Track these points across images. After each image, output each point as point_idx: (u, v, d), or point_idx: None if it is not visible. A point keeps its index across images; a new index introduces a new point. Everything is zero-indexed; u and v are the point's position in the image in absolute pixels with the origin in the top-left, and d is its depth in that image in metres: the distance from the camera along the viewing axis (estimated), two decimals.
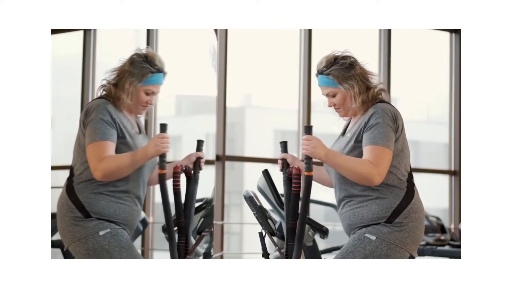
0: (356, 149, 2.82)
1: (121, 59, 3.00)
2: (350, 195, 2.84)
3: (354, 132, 2.85)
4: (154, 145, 2.87)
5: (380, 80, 2.91)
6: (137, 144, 2.96)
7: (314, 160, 2.80)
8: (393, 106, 2.86)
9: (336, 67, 2.86)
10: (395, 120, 2.80)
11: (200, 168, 3.07)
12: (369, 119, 2.80)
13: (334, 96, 2.90)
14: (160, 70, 2.99)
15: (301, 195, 2.78)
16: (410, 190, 2.81)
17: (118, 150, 2.90)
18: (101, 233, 2.84)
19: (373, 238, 2.76)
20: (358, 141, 2.82)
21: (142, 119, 3.19)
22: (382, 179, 2.74)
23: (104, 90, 2.98)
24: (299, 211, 2.81)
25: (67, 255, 4.87)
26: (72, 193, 2.89)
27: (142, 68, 2.96)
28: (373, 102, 2.84)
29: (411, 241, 2.77)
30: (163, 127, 2.91)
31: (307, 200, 2.78)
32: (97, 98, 2.96)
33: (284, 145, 3.01)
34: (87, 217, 2.86)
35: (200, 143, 3.08)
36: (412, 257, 2.81)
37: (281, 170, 3.00)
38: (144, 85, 2.97)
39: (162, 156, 2.88)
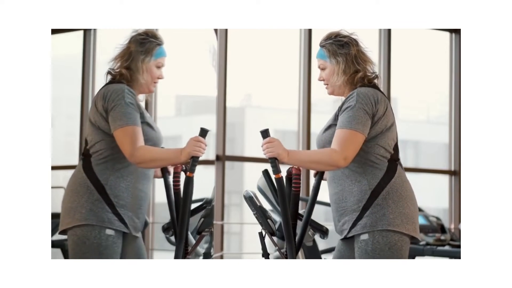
0: (331, 128, 2.85)
1: (118, 45, 3.01)
2: (333, 178, 2.86)
3: (333, 115, 2.87)
4: (190, 148, 2.86)
5: (375, 69, 2.90)
6: (154, 127, 2.99)
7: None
8: (377, 90, 2.83)
9: (331, 41, 2.89)
10: (374, 104, 2.79)
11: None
12: (344, 103, 2.82)
13: (324, 69, 2.93)
14: (163, 42, 3.04)
15: (279, 197, 2.80)
16: (391, 169, 2.80)
17: (144, 133, 2.91)
18: (108, 232, 2.84)
19: (366, 237, 2.76)
20: (334, 124, 2.84)
21: None
22: (348, 162, 2.74)
23: (112, 76, 2.98)
24: (291, 212, 2.82)
25: (67, 255, 4.88)
26: (91, 173, 2.88)
27: (149, 43, 2.99)
28: (356, 86, 2.84)
29: (401, 221, 2.74)
30: (203, 132, 2.90)
31: (284, 202, 2.80)
32: (111, 83, 2.94)
33: (266, 133, 3.02)
34: (106, 201, 2.85)
35: (204, 131, 2.99)
36: (414, 239, 2.79)
37: (287, 170, 3.01)
38: (155, 59, 3.00)
39: (194, 160, 2.87)
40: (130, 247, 2.94)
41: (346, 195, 2.81)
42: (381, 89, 2.90)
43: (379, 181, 2.78)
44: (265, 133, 2.83)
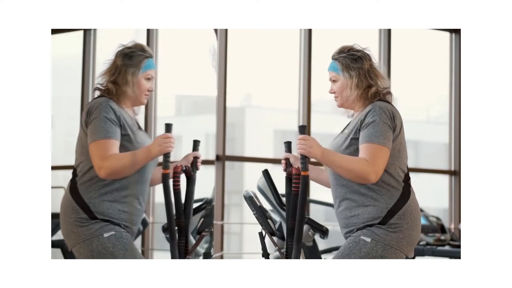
0: (352, 146, 2.83)
1: (106, 61, 3.02)
2: (346, 194, 2.84)
3: (352, 128, 2.86)
4: (158, 145, 2.87)
5: (387, 85, 2.90)
6: (139, 140, 2.97)
7: (311, 160, 2.80)
8: (392, 105, 2.86)
9: (345, 55, 2.90)
10: (393, 119, 2.80)
11: (197, 168, 3.07)
12: (365, 117, 2.81)
13: (335, 82, 2.93)
14: (151, 55, 3.05)
15: (300, 196, 2.78)
16: (406, 191, 2.81)
17: (122, 147, 2.91)
18: (106, 235, 2.85)
19: (368, 240, 2.76)
20: (354, 138, 2.83)
21: (142, 118, 3.19)
22: (378, 177, 2.74)
23: (100, 91, 2.98)
24: (297, 211, 2.81)
25: (67, 255, 4.88)
26: (76, 193, 2.89)
27: (136, 56, 2.99)
28: (371, 101, 2.85)
29: (406, 242, 2.77)
30: (168, 127, 2.91)
31: (304, 200, 2.78)
32: (96, 98, 2.96)
33: (288, 145, 3.02)
34: (92, 218, 2.86)
35: (196, 143, 3.09)
36: (407, 258, 2.81)
37: (285, 170, 3.00)
38: (143, 72, 3.00)
39: (166, 156, 2.88)
40: None
41: (360, 212, 2.81)
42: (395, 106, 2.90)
43: (396, 202, 2.79)
44: (302, 129, 2.81)
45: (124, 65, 2.97)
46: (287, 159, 2.98)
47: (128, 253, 2.85)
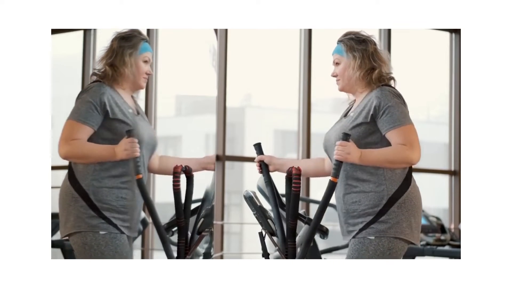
0: (360, 126, 2.81)
1: (102, 48, 3.02)
2: (348, 180, 2.84)
3: (360, 111, 2.83)
4: (124, 149, 2.84)
5: (391, 70, 2.90)
6: (136, 124, 2.95)
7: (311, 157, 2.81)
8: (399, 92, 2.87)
9: (350, 37, 2.90)
10: (403, 100, 2.83)
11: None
12: (379, 103, 2.79)
13: (338, 64, 2.92)
14: (147, 39, 3.05)
15: (321, 199, 2.79)
16: (408, 178, 2.81)
17: (114, 129, 2.89)
18: (102, 232, 2.85)
19: (372, 237, 2.76)
20: (365, 122, 2.80)
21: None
22: (420, 156, 2.77)
23: (97, 76, 2.97)
24: (315, 215, 2.81)
25: (67, 255, 4.88)
26: (74, 180, 2.88)
27: (133, 38, 2.99)
28: (378, 85, 2.84)
29: (409, 230, 2.77)
30: (130, 132, 2.86)
31: (325, 205, 2.79)
32: (92, 82, 2.96)
33: (258, 147, 3.03)
34: (91, 206, 2.85)
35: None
36: (413, 244, 2.81)
37: (260, 172, 3.02)
38: (141, 54, 2.99)
39: (136, 161, 2.85)
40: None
41: (361, 198, 2.80)
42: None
43: (397, 189, 2.78)
44: (345, 136, 2.76)
45: (121, 47, 2.97)
46: (261, 161, 3.00)
47: (117, 256, 2.84)
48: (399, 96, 2.82)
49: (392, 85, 2.89)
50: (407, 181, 2.80)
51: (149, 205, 2.88)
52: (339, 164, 2.77)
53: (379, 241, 2.75)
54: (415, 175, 2.87)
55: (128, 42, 2.98)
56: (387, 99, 2.79)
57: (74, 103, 2.92)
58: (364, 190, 2.80)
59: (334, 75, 2.94)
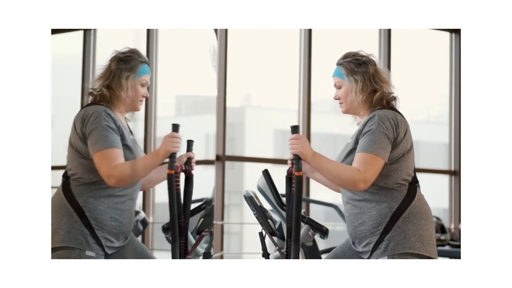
0: (351, 155, 2.83)
1: (99, 67, 3.00)
2: (352, 199, 2.84)
3: (353, 138, 2.86)
4: (165, 145, 2.86)
5: (392, 90, 2.89)
6: (135, 150, 2.95)
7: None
8: (396, 112, 2.83)
9: (350, 60, 2.89)
10: (395, 128, 2.77)
11: (192, 168, 3.05)
12: (364, 126, 2.80)
13: (340, 88, 2.91)
14: (147, 61, 3.03)
15: (294, 196, 2.78)
16: (411, 192, 2.80)
17: (126, 151, 2.90)
18: (88, 253, 2.83)
19: (385, 258, 2.75)
20: (354, 148, 2.82)
21: (142, 118, 3.19)
22: (367, 186, 2.72)
23: (93, 96, 2.96)
24: (292, 212, 2.80)
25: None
26: (70, 195, 2.87)
27: (132, 60, 2.97)
28: (375, 108, 2.83)
29: (421, 243, 2.75)
30: (175, 127, 2.90)
31: (299, 201, 2.77)
32: (91, 105, 2.93)
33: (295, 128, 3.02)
34: (85, 224, 2.85)
35: (190, 143, 3.08)
36: (429, 258, 2.78)
37: (288, 170, 3.00)
38: (139, 77, 2.98)
39: (172, 156, 2.87)
40: (121, 255, 2.94)
41: (365, 218, 2.80)
42: (399, 110, 2.88)
43: (399, 204, 2.77)
44: (294, 129, 2.80)
45: (119, 69, 2.94)
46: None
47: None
48: (389, 120, 2.77)
49: (393, 105, 2.87)
50: (410, 196, 2.79)
51: (172, 203, 2.88)
52: (297, 158, 2.77)
53: (392, 260, 2.74)
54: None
55: (126, 65, 2.96)
56: (371, 124, 2.78)
57: (80, 129, 2.86)
58: (367, 210, 2.79)
59: (336, 98, 2.94)
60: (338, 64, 2.92)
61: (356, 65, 2.87)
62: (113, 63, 2.96)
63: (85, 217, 2.85)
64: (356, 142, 2.82)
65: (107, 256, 2.90)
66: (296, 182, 2.77)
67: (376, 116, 2.78)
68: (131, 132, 3.05)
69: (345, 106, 2.92)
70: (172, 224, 2.89)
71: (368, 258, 2.80)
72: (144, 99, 3.03)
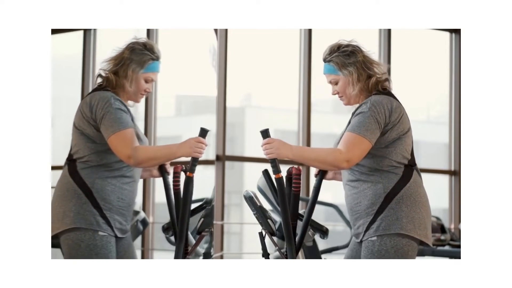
0: None
1: (116, 48, 3.02)
2: (349, 180, 2.87)
3: (347, 123, 2.88)
4: (189, 147, 2.87)
5: (384, 70, 2.91)
6: (140, 135, 2.98)
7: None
8: (389, 97, 2.84)
9: (337, 54, 2.90)
10: (388, 114, 2.80)
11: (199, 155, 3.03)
12: (357, 109, 2.83)
13: (336, 83, 2.93)
14: (159, 58, 3.04)
15: (279, 198, 2.80)
16: (406, 174, 2.81)
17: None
18: (101, 233, 2.85)
19: (374, 238, 2.76)
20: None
21: (142, 118, 3.19)
22: (350, 165, 2.76)
23: (101, 78, 2.99)
24: (283, 213, 2.82)
25: (54, 236, 4.86)
26: (78, 177, 2.89)
27: (143, 55, 2.99)
28: (370, 93, 2.85)
29: (413, 225, 2.76)
30: (204, 132, 2.90)
31: (284, 202, 2.81)
32: (98, 90, 2.96)
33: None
34: (94, 204, 2.86)
35: (204, 132, 2.95)
36: (423, 243, 2.80)
37: (288, 170, 3.02)
38: (145, 72, 3.00)
39: (195, 160, 2.89)
40: (117, 247, 2.95)
41: (361, 198, 2.82)
42: (393, 92, 2.90)
43: (394, 185, 2.79)
44: (265, 133, 2.83)
45: (129, 59, 2.97)
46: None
47: (110, 257, 2.87)
48: (380, 107, 2.80)
49: (387, 87, 2.88)
50: (405, 178, 2.81)
51: (184, 206, 2.90)
52: (273, 161, 2.81)
53: (381, 240, 2.75)
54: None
55: (137, 57, 2.98)
56: (364, 107, 2.81)
57: (90, 115, 2.89)
58: (362, 191, 2.81)
59: (335, 93, 2.95)
60: (327, 61, 2.92)
61: (345, 57, 2.88)
62: (126, 51, 2.99)
63: (93, 198, 2.87)
64: (349, 124, 2.85)
65: (116, 239, 2.92)
66: (277, 184, 2.82)
67: (369, 101, 2.81)
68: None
69: (346, 99, 2.93)
70: (181, 225, 2.90)
71: (361, 239, 2.82)
72: (145, 94, 3.05)
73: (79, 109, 2.94)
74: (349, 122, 2.85)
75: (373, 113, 2.78)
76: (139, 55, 2.98)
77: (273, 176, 2.88)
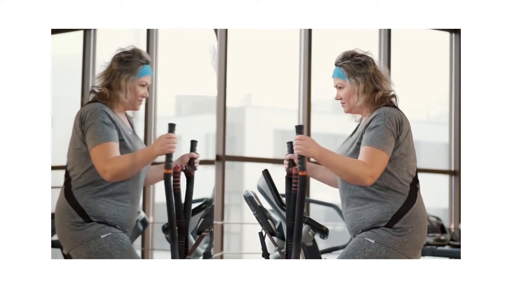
0: (358, 151, 2.83)
1: (104, 63, 3.01)
2: (352, 196, 2.84)
3: (358, 134, 2.86)
4: (161, 145, 2.87)
5: (392, 88, 2.90)
6: (135, 145, 2.97)
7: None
8: (399, 110, 2.85)
9: (349, 61, 2.89)
10: (399, 125, 2.80)
11: (195, 169, 3.06)
12: (370, 122, 2.81)
13: (341, 88, 2.92)
14: (148, 62, 3.04)
15: (297, 196, 2.79)
16: (412, 195, 2.81)
17: (123, 147, 2.92)
18: (103, 236, 2.86)
19: (372, 241, 2.76)
20: (360, 143, 2.83)
21: (142, 118, 3.19)
22: (374, 180, 2.74)
23: (94, 94, 2.99)
24: (295, 212, 2.81)
25: (67, 255, 4.88)
26: (71, 197, 2.90)
27: (132, 62, 2.98)
28: (379, 106, 2.84)
29: (410, 246, 2.77)
30: (172, 127, 2.91)
31: (302, 201, 2.79)
32: (89, 102, 2.96)
33: (291, 146, 3.02)
34: (88, 221, 2.87)
35: (193, 144, 3.08)
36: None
37: (287, 170, 3.01)
38: (138, 78, 2.99)
39: (169, 156, 2.88)
40: None
41: (365, 216, 2.81)
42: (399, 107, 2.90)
43: (401, 206, 2.78)
44: (299, 129, 2.81)
45: (119, 70, 2.97)
46: (290, 160, 2.97)
47: (125, 253, 2.86)
48: (392, 118, 2.80)
49: (394, 103, 2.88)
50: (411, 198, 2.80)
51: (169, 203, 2.89)
52: (301, 158, 2.79)
53: (378, 247, 2.75)
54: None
55: (126, 66, 2.98)
56: (378, 119, 2.79)
57: (79, 127, 2.89)
58: (368, 208, 2.80)
59: (338, 99, 2.94)
60: (338, 65, 2.92)
61: (356, 66, 2.88)
62: (114, 63, 2.98)
63: (87, 216, 2.87)
64: (361, 138, 2.82)
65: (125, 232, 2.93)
66: (299, 182, 2.79)
67: (383, 113, 2.80)
68: (132, 128, 3.07)
69: (347, 107, 2.93)
70: (170, 223, 2.90)
71: (355, 235, 2.82)
72: (143, 99, 3.04)
73: (73, 124, 2.95)
74: (359, 135, 2.82)
75: (388, 125, 2.77)
76: (128, 64, 2.98)
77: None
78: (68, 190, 2.91)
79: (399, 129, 2.79)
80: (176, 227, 2.95)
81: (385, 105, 2.84)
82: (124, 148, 2.92)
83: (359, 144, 2.83)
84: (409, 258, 2.78)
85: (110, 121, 2.90)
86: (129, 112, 3.10)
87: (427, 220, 2.85)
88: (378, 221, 2.77)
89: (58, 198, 2.95)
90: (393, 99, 2.89)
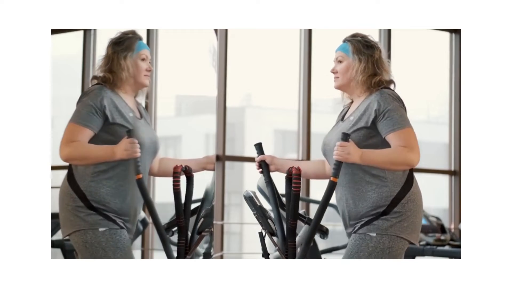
0: (361, 130, 2.82)
1: (99, 57, 3.04)
2: (351, 181, 2.84)
3: (360, 115, 2.84)
4: (124, 149, 2.85)
5: (391, 78, 2.91)
6: (135, 126, 2.95)
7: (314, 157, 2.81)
8: (395, 92, 2.88)
9: (359, 39, 2.91)
10: (403, 103, 2.84)
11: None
12: (379, 106, 2.80)
13: (341, 62, 2.92)
14: (141, 38, 3.06)
15: (321, 199, 2.80)
16: (410, 178, 2.82)
17: (114, 133, 2.90)
18: (101, 229, 2.86)
19: (374, 234, 2.77)
20: (365, 126, 2.81)
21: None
22: (419, 158, 2.78)
23: (97, 79, 2.99)
24: (315, 215, 2.81)
25: (67, 255, 4.88)
26: (73, 181, 2.90)
27: (126, 40, 3.01)
28: (377, 88, 2.85)
29: (411, 230, 2.78)
30: (130, 133, 2.87)
31: (325, 205, 2.79)
32: (93, 86, 2.98)
33: (259, 147, 3.03)
34: (89, 207, 2.86)
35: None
36: (412, 244, 2.82)
37: (261, 172, 3.02)
38: (137, 53, 3.01)
39: (137, 161, 2.85)
40: None
41: (364, 200, 2.81)
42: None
43: (399, 190, 2.80)
44: (345, 137, 2.78)
45: (116, 52, 2.98)
46: (262, 161, 2.99)
47: (119, 251, 2.85)
48: (398, 99, 2.83)
49: (392, 88, 2.89)
50: (409, 182, 2.81)
51: (149, 205, 2.89)
52: (339, 164, 2.77)
53: (380, 238, 2.76)
54: (415, 175, 2.87)
55: (121, 46, 2.99)
56: (387, 102, 2.80)
57: (75, 105, 2.93)
58: (366, 192, 2.81)
59: (333, 72, 2.94)
60: (346, 40, 2.93)
61: (363, 46, 2.89)
62: (109, 49, 3.01)
63: (87, 201, 2.87)
64: (368, 121, 2.81)
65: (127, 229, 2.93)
66: (328, 187, 2.78)
67: (387, 94, 2.82)
68: (141, 114, 3.04)
69: (340, 81, 2.92)
70: (156, 225, 2.90)
71: (356, 231, 2.82)
72: (149, 73, 3.04)
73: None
74: (366, 119, 2.81)
75: (399, 104, 2.81)
76: (123, 43, 3.00)
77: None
78: (70, 173, 2.92)
79: (403, 106, 2.83)
80: (176, 227, 2.96)
81: (383, 87, 2.85)
82: (123, 127, 2.90)
83: (364, 128, 2.81)
84: (412, 244, 2.80)
85: (98, 106, 2.89)
86: (138, 98, 3.08)
87: (422, 203, 2.85)
88: (377, 206, 2.78)
89: (62, 182, 2.95)
90: (391, 84, 2.90)
